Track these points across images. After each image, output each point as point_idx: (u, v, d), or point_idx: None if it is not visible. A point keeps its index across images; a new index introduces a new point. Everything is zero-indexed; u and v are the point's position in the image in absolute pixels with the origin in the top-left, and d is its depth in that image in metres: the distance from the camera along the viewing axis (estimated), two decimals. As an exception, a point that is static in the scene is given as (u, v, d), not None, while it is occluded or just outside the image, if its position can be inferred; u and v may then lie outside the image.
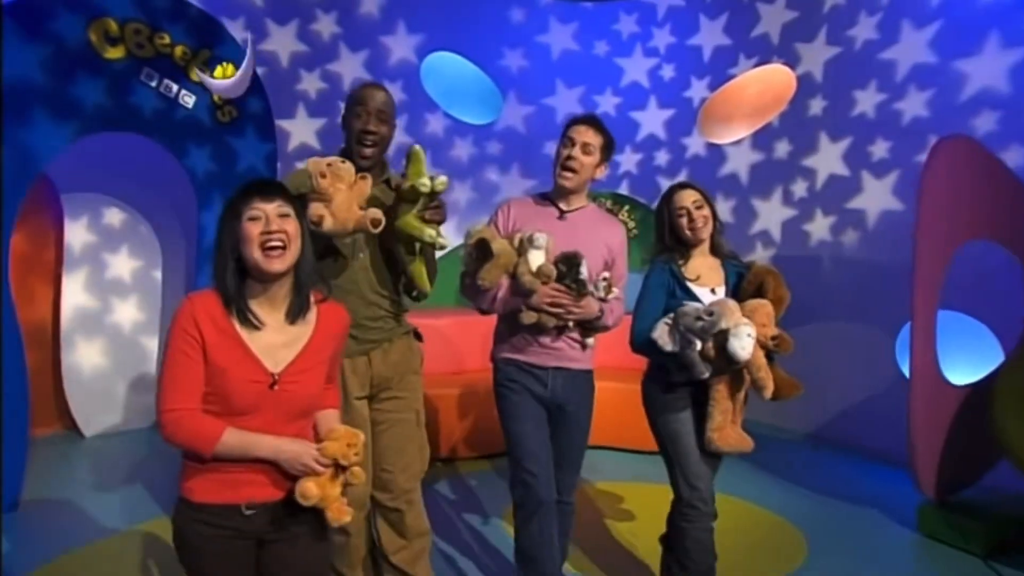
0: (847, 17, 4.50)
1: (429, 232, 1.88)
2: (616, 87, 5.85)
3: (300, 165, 4.86)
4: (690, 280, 2.19)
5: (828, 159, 4.64)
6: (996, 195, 3.14)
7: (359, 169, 1.89)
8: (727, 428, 2.10)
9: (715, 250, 2.27)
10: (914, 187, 3.03)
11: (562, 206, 2.25)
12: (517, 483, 2.18)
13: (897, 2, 4.22)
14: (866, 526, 3.23)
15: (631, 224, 5.31)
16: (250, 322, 1.40)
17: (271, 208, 1.39)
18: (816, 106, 4.69)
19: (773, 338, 2.02)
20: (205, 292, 1.42)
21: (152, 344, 4.67)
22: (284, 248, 1.39)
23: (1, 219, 3.09)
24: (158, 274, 4.70)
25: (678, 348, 2.03)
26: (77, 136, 3.43)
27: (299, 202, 1.49)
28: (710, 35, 5.44)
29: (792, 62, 4.53)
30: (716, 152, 5.35)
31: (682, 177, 5.55)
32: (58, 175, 4.11)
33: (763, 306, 2.05)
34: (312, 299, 1.49)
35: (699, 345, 1.99)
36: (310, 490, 1.37)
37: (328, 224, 1.76)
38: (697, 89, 5.50)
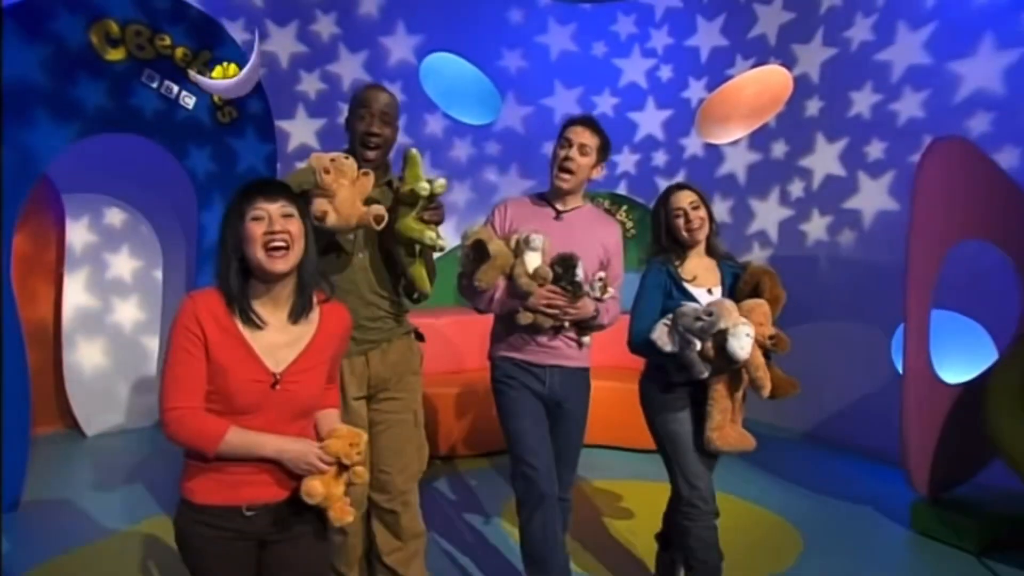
0: (843, 18, 4.53)
1: (429, 235, 1.90)
2: (614, 88, 5.87)
3: (300, 165, 4.87)
4: (687, 281, 2.20)
5: (824, 159, 4.66)
6: (989, 196, 3.17)
7: None
8: (726, 427, 2.11)
9: (711, 251, 2.28)
10: (909, 187, 3.06)
11: (558, 206, 2.27)
12: (518, 478, 2.19)
13: (893, 4, 4.25)
14: (861, 524, 3.26)
15: (629, 224, 5.34)
16: (253, 321, 1.40)
17: (274, 208, 1.39)
18: (812, 107, 4.71)
19: (770, 337, 2.03)
20: (207, 291, 1.42)
21: (153, 344, 4.69)
22: (287, 248, 1.39)
23: (2, 219, 3.11)
24: (159, 274, 4.72)
25: (677, 349, 2.04)
26: (78, 137, 3.45)
27: (302, 200, 1.49)
28: (707, 36, 5.46)
29: (789, 63, 4.55)
30: (714, 152, 5.38)
31: (680, 177, 5.58)
32: (59, 175, 4.14)
33: (760, 306, 2.07)
34: (315, 299, 1.49)
35: (698, 345, 2.00)
36: (315, 488, 1.38)
37: (331, 220, 1.76)
38: (695, 90, 5.52)
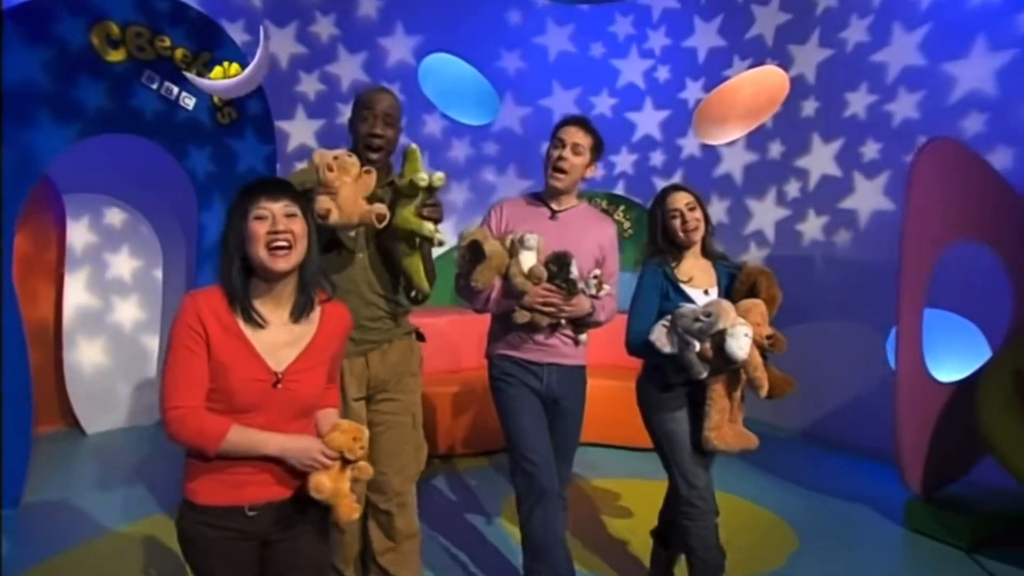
0: (839, 19, 4.56)
1: (427, 227, 1.90)
2: (612, 88, 5.90)
3: (300, 166, 4.87)
4: (683, 282, 2.21)
5: (820, 160, 4.69)
6: (982, 196, 3.19)
7: None
8: (724, 427, 2.12)
9: (706, 252, 2.30)
10: (904, 187, 3.08)
11: (553, 206, 2.30)
12: (518, 474, 2.20)
13: (888, 5, 4.28)
14: (855, 521, 3.28)
15: (626, 224, 5.36)
16: (254, 320, 1.39)
17: (278, 208, 1.39)
18: (809, 107, 4.74)
19: (768, 337, 2.05)
20: (209, 289, 1.41)
21: (153, 343, 4.71)
22: (290, 248, 1.39)
23: (4, 219, 3.13)
24: (159, 274, 4.75)
25: (676, 350, 2.05)
26: (79, 138, 3.47)
27: (304, 199, 1.48)
28: (705, 37, 5.49)
29: (785, 64, 4.58)
30: (711, 153, 5.40)
31: (677, 177, 5.61)
32: (60, 176, 4.15)
33: (757, 306, 2.09)
34: (316, 298, 1.49)
35: (697, 346, 2.01)
36: (323, 483, 1.38)
37: (335, 217, 1.77)
38: (692, 90, 5.55)
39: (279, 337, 1.43)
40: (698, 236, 2.24)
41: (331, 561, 2.12)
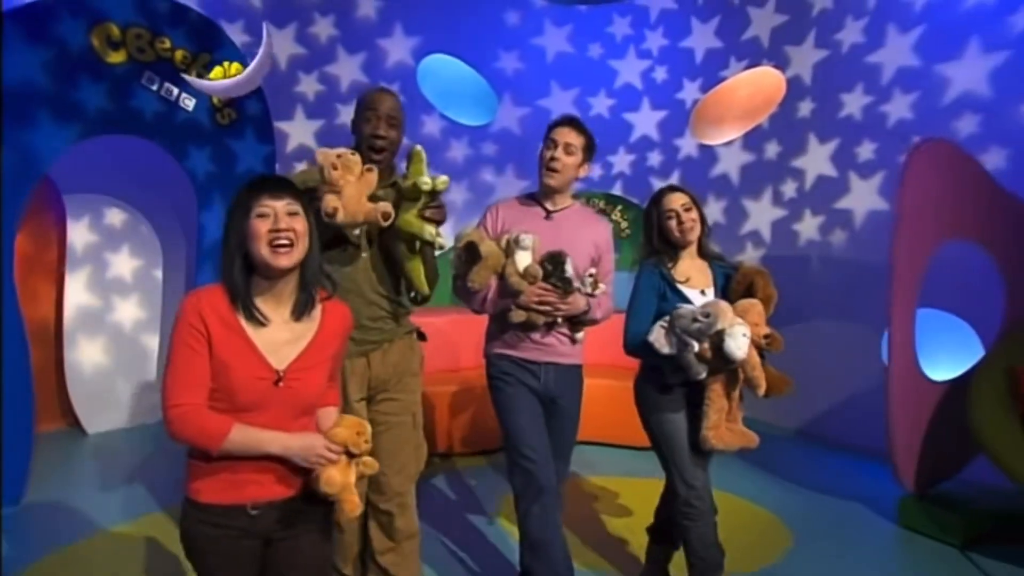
0: (835, 21, 4.59)
1: (429, 230, 1.91)
2: (610, 89, 5.93)
3: (299, 166, 4.87)
4: (680, 282, 2.23)
5: (816, 160, 4.72)
6: (975, 197, 3.21)
7: None
8: (722, 427, 2.14)
9: (702, 252, 2.31)
10: (898, 188, 3.11)
11: (548, 206, 2.32)
12: (517, 472, 2.21)
13: (882, 6, 4.31)
14: (849, 519, 3.31)
15: (624, 224, 5.39)
16: (256, 318, 1.39)
17: (280, 206, 1.39)
18: (805, 108, 4.77)
19: (765, 337, 2.07)
20: (210, 287, 1.41)
21: (153, 342, 4.73)
22: (292, 246, 1.39)
23: (4, 219, 3.15)
24: (159, 273, 4.77)
25: (675, 350, 2.06)
26: (79, 138, 3.49)
27: (306, 197, 1.47)
28: (702, 38, 5.52)
29: (782, 65, 4.61)
30: (708, 153, 5.43)
31: (674, 178, 5.64)
32: (60, 176, 4.18)
33: (754, 305, 2.11)
34: (317, 297, 1.49)
35: (696, 347, 2.03)
36: (333, 477, 1.38)
37: (340, 216, 1.78)
38: (689, 91, 5.58)
39: (280, 335, 1.43)
40: (694, 236, 2.26)
41: (331, 561, 2.12)
